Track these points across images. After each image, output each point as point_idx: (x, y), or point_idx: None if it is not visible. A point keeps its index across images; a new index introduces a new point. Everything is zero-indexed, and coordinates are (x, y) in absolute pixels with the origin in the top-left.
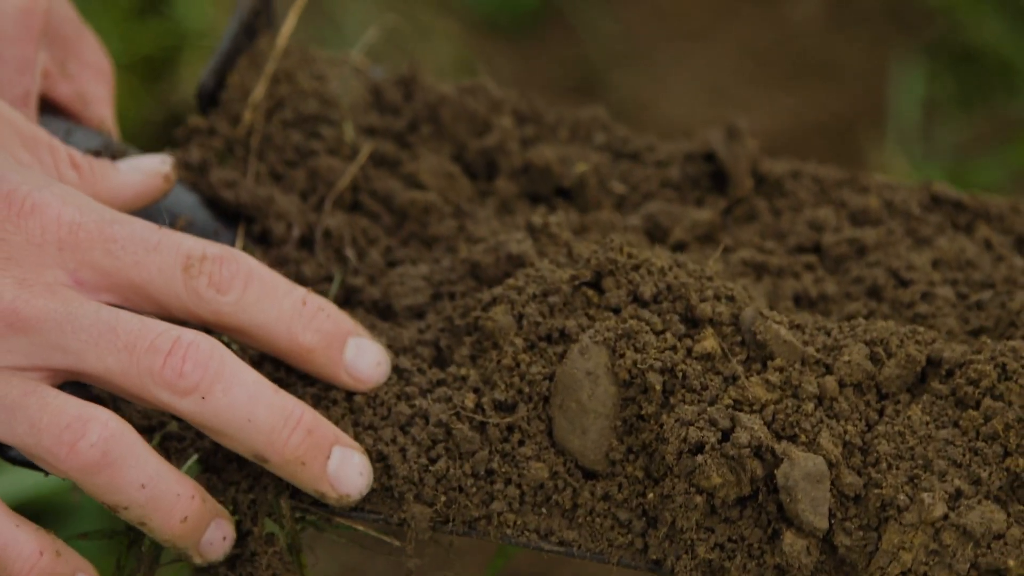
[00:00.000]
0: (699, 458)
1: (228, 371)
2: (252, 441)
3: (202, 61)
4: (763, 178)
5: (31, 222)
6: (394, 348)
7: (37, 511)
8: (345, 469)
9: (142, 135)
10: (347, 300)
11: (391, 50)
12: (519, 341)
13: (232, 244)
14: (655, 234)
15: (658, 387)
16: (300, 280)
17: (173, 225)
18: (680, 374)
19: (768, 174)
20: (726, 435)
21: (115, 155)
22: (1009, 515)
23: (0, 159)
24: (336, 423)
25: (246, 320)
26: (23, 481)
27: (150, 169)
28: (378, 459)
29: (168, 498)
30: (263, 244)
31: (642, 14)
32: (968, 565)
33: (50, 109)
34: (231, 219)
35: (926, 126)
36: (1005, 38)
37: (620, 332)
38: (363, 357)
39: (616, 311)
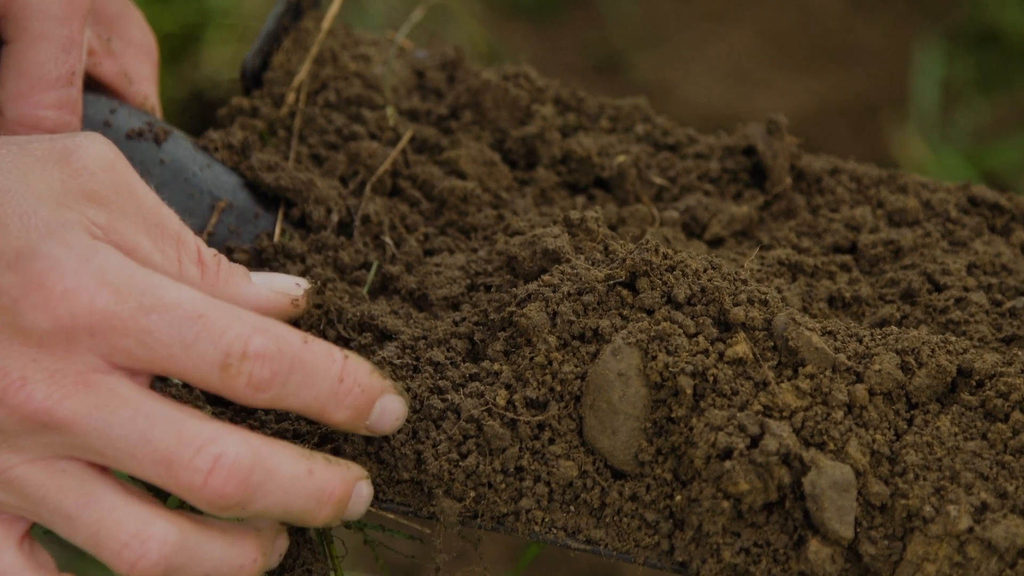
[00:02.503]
0: (727, 464)
1: (269, 482)
2: (289, 519)
3: (225, 39)
4: (801, 174)
5: (61, 309)
6: (428, 339)
7: None
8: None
9: (166, 113)
10: (384, 288)
11: (415, 31)
12: (552, 339)
13: (272, 227)
14: (692, 228)
15: (689, 391)
16: (338, 266)
17: (213, 208)
18: (711, 378)
19: (806, 170)
20: (755, 441)
21: (158, 134)
22: None
23: (59, 223)
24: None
25: (281, 406)
26: None
27: (281, 288)
28: (411, 453)
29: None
30: (302, 228)
31: None
32: None
33: (94, 87)
34: (271, 202)
35: (946, 109)
36: None
37: (653, 334)
38: (384, 419)
39: (650, 312)
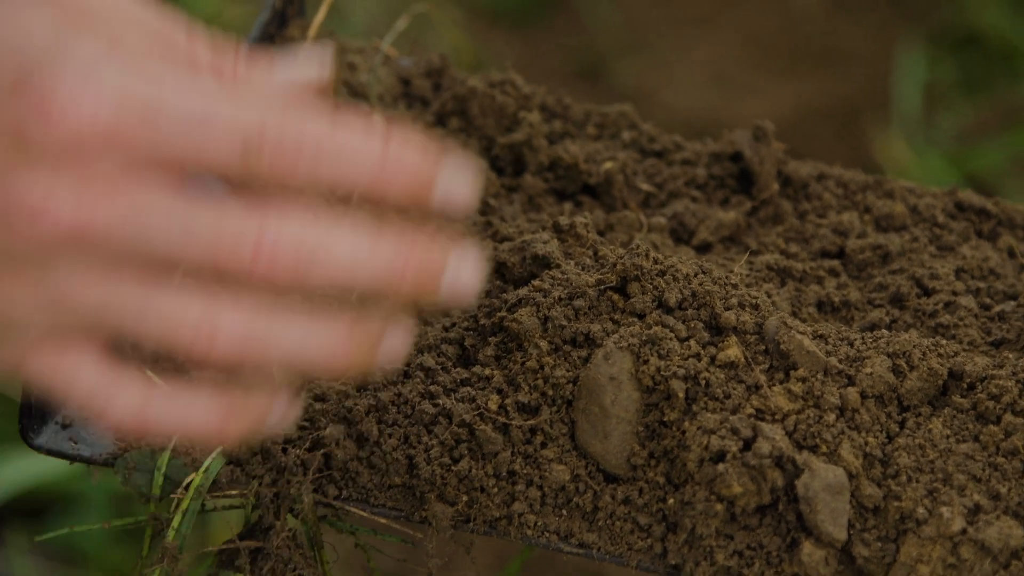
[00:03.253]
0: (720, 467)
1: (324, 254)
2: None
3: None
4: (788, 180)
5: (64, 128)
6: (419, 345)
7: (41, 501)
8: (462, 276)
9: None
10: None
11: (398, 39)
12: (544, 344)
13: None
14: (680, 234)
15: (681, 394)
16: None
17: None
18: (703, 382)
19: (793, 176)
20: (748, 444)
21: None
22: None
23: (57, 45)
24: (360, 417)
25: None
26: (26, 470)
27: (306, 76)
28: (403, 458)
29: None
30: None
31: (645, 1)
32: None
33: None
34: None
35: (929, 111)
36: (1008, 23)
37: (644, 338)
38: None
39: (641, 316)
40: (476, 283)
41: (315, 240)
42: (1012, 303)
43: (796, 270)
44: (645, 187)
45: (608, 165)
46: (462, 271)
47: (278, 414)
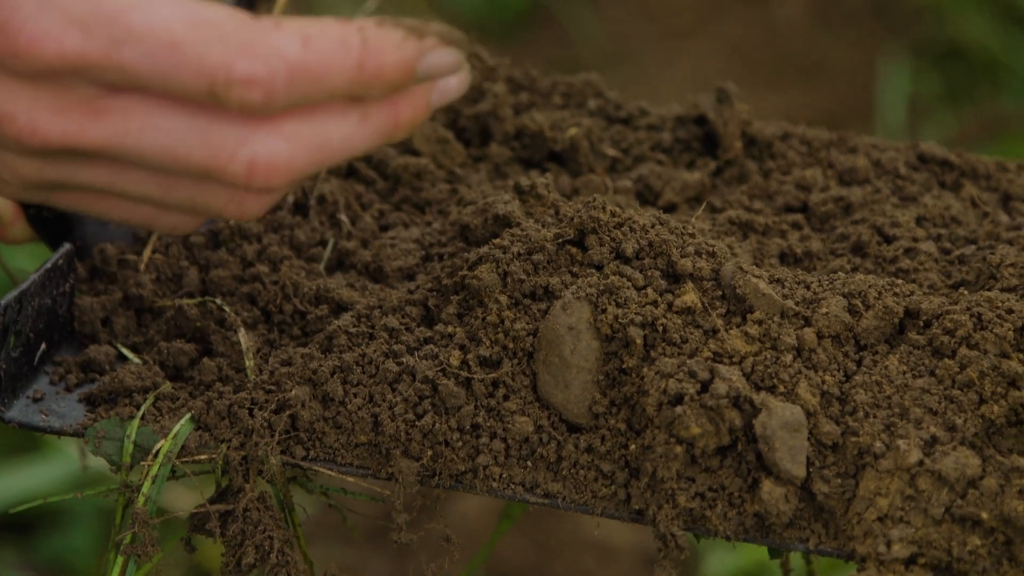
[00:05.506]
0: (678, 409)
1: (319, 154)
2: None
3: None
4: (753, 140)
5: (33, 56)
6: (383, 308)
7: (30, 517)
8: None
9: None
10: (340, 263)
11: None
12: (504, 298)
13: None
14: (646, 196)
15: (639, 341)
16: (294, 245)
17: None
18: (661, 328)
19: (758, 136)
20: (705, 386)
21: None
22: (984, 460)
23: None
24: (326, 378)
25: (302, 115)
26: (16, 485)
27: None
28: (368, 416)
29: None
30: None
31: (630, 15)
32: (943, 510)
33: None
34: None
35: (913, 123)
36: (990, 35)
37: (602, 288)
38: (440, 87)
39: (599, 268)
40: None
41: (305, 149)
42: (972, 247)
43: (759, 224)
44: (611, 152)
45: (572, 131)
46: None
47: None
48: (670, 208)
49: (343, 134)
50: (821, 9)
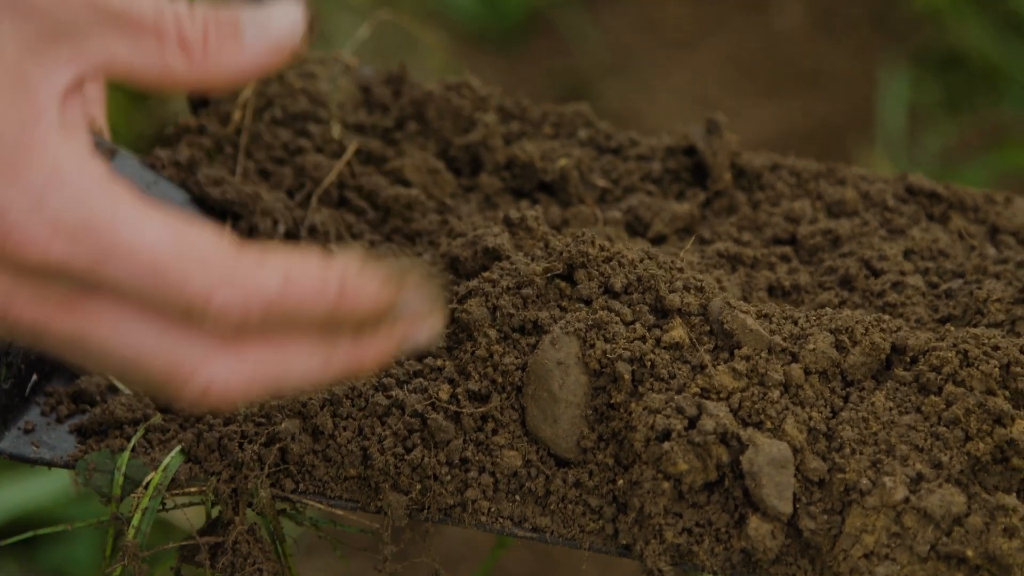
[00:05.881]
0: (666, 445)
1: (277, 386)
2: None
3: None
4: (742, 171)
5: (19, 256)
6: None
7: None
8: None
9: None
10: None
11: (379, 62)
12: (493, 332)
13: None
14: (636, 227)
15: (627, 376)
16: None
17: None
18: (649, 363)
19: (747, 167)
20: (692, 422)
21: (105, 155)
22: (970, 498)
23: (21, 121)
24: (315, 411)
25: (273, 340)
26: (14, 498)
27: (278, 37)
28: (357, 450)
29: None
30: (249, 240)
31: (629, 24)
32: (929, 547)
33: None
34: (219, 216)
35: (913, 132)
36: (990, 43)
37: (591, 323)
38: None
39: (587, 302)
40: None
41: (263, 381)
42: (959, 281)
43: (747, 256)
44: (601, 183)
45: (563, 162)
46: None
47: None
48: (659, 239)
49: (305, 368)
50: (820, 18)
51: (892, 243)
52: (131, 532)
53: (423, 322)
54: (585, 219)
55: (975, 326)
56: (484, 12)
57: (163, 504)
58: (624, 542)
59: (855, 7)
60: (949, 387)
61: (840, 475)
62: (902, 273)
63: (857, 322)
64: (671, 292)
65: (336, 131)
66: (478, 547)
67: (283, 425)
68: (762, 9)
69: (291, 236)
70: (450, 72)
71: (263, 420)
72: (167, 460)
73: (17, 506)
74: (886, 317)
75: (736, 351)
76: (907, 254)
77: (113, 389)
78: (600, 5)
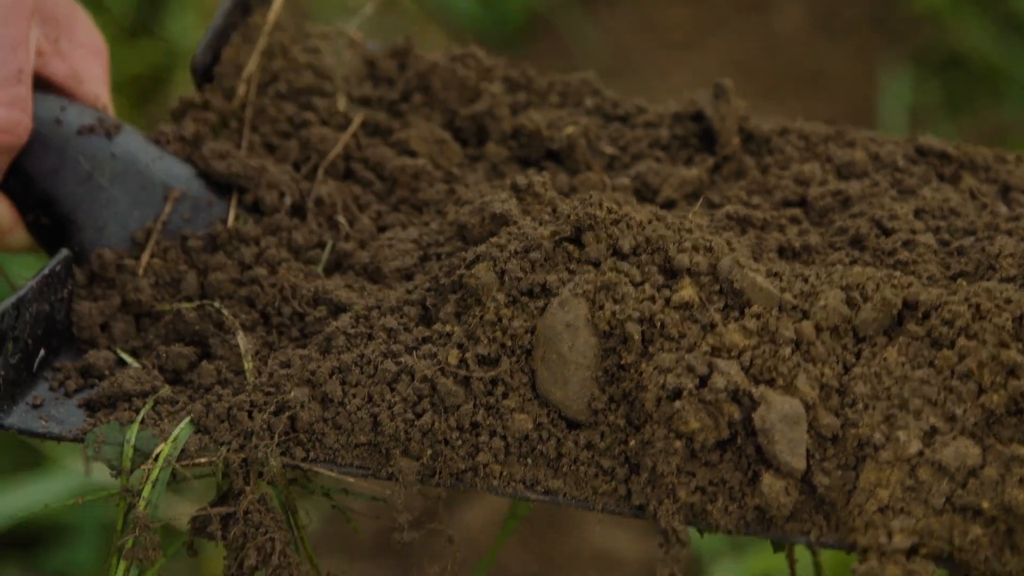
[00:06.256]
0: (677, 404)
1: None
2: None
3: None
4: (751, 135)
5: None
6: (382, 308)
7: (32, 531)
8: None
9: None
10: (338, 265)
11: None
12: (501, 296)
13: (226, 214)
14: (644, 193)
15: (637, 337)
16: (292, 247)
17: (166, 198)
18: (659, 323)
19: (756, 131)
20: (703, 381)
21: (109, 130)
22: (984, 450)
23: None
24: (324, 379)
25: None
26: (17, 502)
27: None
28: (367, 416)
29: None
30: (256, 212)
31: (630, 26)
32: (944, 499)
33: (45, 86)
34: (225, 189)
35: (913, 133)
36: (990, 44)
37: (599, 284)
38: None
39: (596, 264)
40: None
41: None
42: (971, 238)
43: (757, 219)
44: (608, 150)
45: (569, 130)
46: None
47: None
48: (668, 204)
49: None
50: (821, 19)
51: (903, 203)
52: (142, 504)
53: None
54: (593, 186)
55: (987, 281)
56: (485, 14)
57: (174, 475)
58: (637, 503)
59: (855, 8)
60: (962, 340)
61: (853, 430)
62: (913, 232)
63: (868, 278)
64: (680, 252)
65: (342, 104)
66: (479, 547)
67: (292, 393)
68: (762, 10)
69: (297, 209)
70: None
71: (272, 389)
72: (176, 431)
73: (20, 509)
74: (897, 273)
75: (747, 309)
76: (918, 213)
77: (122, 363)
78: (600, 7)
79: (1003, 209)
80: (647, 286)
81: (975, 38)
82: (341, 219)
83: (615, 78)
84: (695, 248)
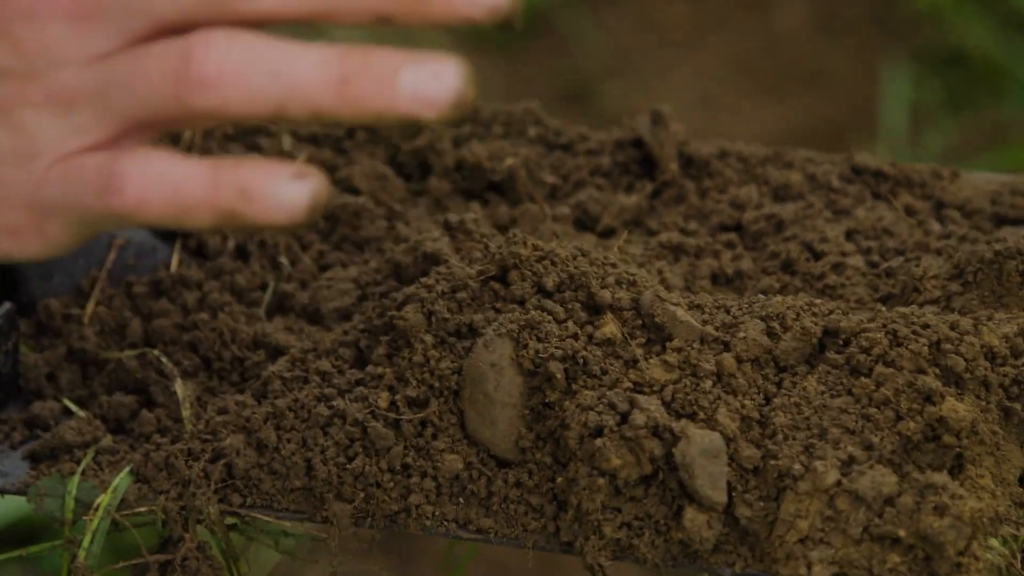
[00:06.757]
0: (599, 441)
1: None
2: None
3: None
4: (690, 160)
5: None
6: (317, 351)
7: (27, 534)
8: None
9: None
10: (279, 307)
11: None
12: (429, 338)
13: (169, 259)
14: (585, 222)
15: (560, 375)
16: (235, 290)
17: (111, 245)
18: (581, 360)
19: (695, 156)
20: (624, 417)
21: None
22: (902, 478)
23: None
24: (259, 425)
25: None
26: (16, 500)
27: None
28: (301, 461)
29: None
30: (200, 257)
31: (631, 24)
32: (862, 529)
33: None
34: (169, 235)
35: (915, 131)
36: (992, 42)
37: (523, 323)
38: None
39: (521, 303)
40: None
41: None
42: (900, 259)
43: (690, 246)
44: (550, 180)
45: (509, 161)
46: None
47: (284, 186)
48: (608, 233)
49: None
50: (821, 18)
51: (835, 224)
52: (82, 554)
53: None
54: (533, 217)
55: (911, 304)
56: None
57: (115, 525)
58: (565, 539)
59: (856, 6)
60: (879, 368)
61: (773, 461)
62: (843, 254)
63: (788, 308)
64: (603, 288)
65: (286, 143)
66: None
67: (228, 440)
68: (763, 9)
69: (241, 251)
70: None
71: (209, 436)
72: (116, 481)
73: (18, 509)
74: (818, 301)
75: (668, 343)
76: (849, 234)
77: (68, 413)
78: (601, 5)
79: (936, 226)
80: (570, 323)
81: (976, 36)
82: (283, 260)
83: (616, 77)
84: (618, 283)
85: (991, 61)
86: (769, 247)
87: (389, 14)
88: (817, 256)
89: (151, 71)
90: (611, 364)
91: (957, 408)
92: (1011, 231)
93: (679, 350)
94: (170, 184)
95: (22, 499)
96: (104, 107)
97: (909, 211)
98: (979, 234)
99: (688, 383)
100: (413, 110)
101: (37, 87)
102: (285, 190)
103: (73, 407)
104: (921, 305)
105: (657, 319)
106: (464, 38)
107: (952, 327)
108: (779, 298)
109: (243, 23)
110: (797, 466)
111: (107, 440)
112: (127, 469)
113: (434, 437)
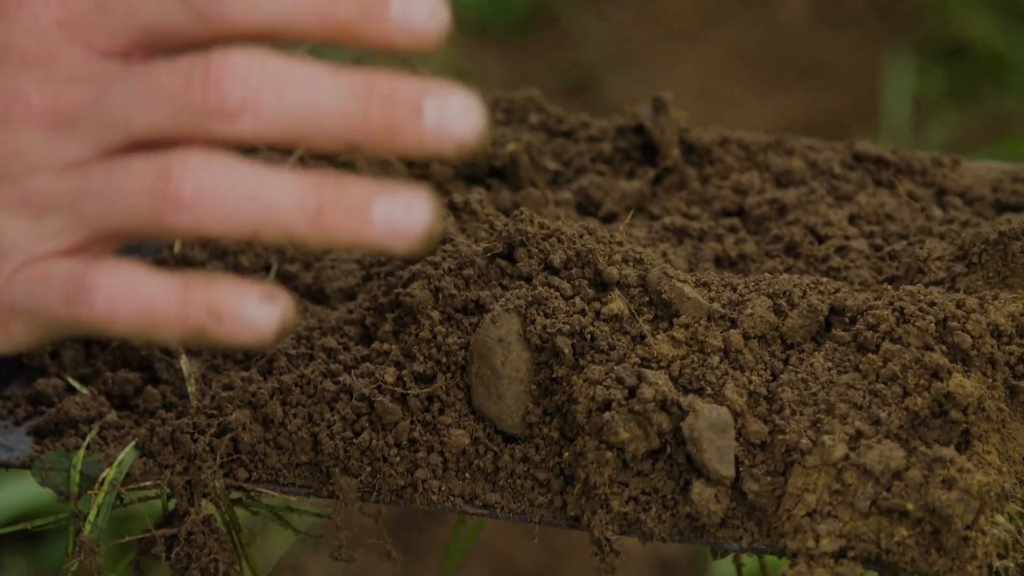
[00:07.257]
0: (607, 415)
1: (272, 76)
2: (330, 130)
3: None
4: (692, 147)
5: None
6: (322, 328)
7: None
8: (446, 117)
9: None
10: (283, 287)
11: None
12: (436, 314)
13: (172, 244)
14: (587, 207)
15: (567, 350)
16: (238, 271)
17: None
18: (589, 336)
19: (696, 143)
20: (632, 392)
21: None
22: (910, 453)
23: None
24: (265, 400)
25: None
26: (16, 495)
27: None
28: (307, 436)
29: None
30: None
31: (633, 16)
32: (869, 502)
33: None
34: None
35: (917, 122)
36: (994, 33)
37: (530, 299)
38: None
39: (528, 279)
40: (472, 123)
41: (265, 67)
42: (903, 242)
43: (694, 229)
44: (552, 166)
45: (511, 147)
46: (449, 109)
47: (253, 308)
48: (610, 218)
49: (308, 76)
50: (824, 9)
51: (837, 209)
52: (87, 527)
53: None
54: (536, 202)
55: (914, 285)
56: (488, 4)
57: (120, 499)
58: (572, 514)
59: None
60: (886, 344)
61: (781, 436)
62: (846, 237)
63: (795, 285)
64: (610, 265)
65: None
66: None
67: (234, 415)
68: (765, 1)
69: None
70: (454, 64)
71: (215, 412)
72: (121, 456)
73: (22, 502)
74: (824, 280)
75: (675, 320)
76: (852, 219)
77: (70, 390)
78: None
79: (938, 212)
80: (578, 299)
81: (979, 27)
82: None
83: (618, 69)
84: (625, 260)
85: (993, 53)
86: (772, 231)
87: (359, 145)
88: (821, 239)
89: (128, 186)
90: (618, 340)
91: (964, 384)
92: (1013, 217)
93: (686, 326)
94: (140, 300)
95: (27, 489)
96: (77, 215)
97: (911, 197)
98: (981, 220)
99: (695, 359)
100: (384, 241)
101: (9, 190)
102: (254, 312)
103: (76, 384)
104: (926, 286)
105: (664, 296)
106: (468, 30)
107: (958, 305)
108: (785, 276)
109: (219, 144)
110: (805, 440)
111: (112, 415)
112: (132, 443)
113: (441, 412)
